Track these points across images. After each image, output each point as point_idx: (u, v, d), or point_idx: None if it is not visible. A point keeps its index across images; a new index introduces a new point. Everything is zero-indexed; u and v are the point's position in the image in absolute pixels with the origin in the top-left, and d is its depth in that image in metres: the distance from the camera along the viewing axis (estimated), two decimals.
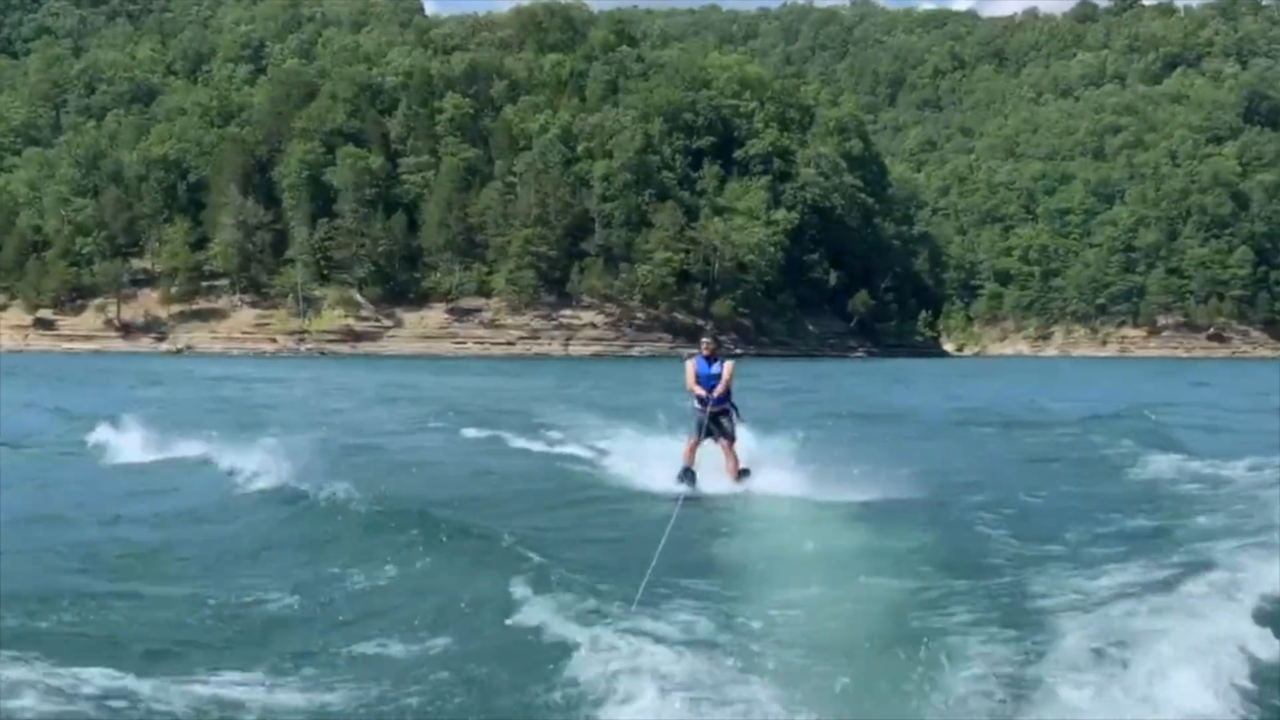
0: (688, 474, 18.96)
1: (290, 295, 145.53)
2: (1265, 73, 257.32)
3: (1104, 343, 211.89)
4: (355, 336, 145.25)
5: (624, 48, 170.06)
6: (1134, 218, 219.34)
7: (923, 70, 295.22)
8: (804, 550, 13.91)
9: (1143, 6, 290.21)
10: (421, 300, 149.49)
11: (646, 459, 21.10)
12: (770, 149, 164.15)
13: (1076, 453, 25.61)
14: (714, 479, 19.10)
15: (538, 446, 25.92)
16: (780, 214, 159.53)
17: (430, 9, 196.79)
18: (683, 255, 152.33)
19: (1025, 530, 15.30)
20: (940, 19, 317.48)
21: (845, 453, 20.03)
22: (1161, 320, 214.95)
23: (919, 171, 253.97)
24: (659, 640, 9.53)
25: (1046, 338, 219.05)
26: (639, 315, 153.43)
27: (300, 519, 16.16)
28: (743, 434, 20.21)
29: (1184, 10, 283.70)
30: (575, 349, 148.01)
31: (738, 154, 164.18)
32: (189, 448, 23.73)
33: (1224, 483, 19.59)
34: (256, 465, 20.03)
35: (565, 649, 9.30)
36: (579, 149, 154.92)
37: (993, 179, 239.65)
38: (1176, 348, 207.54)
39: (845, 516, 16.37)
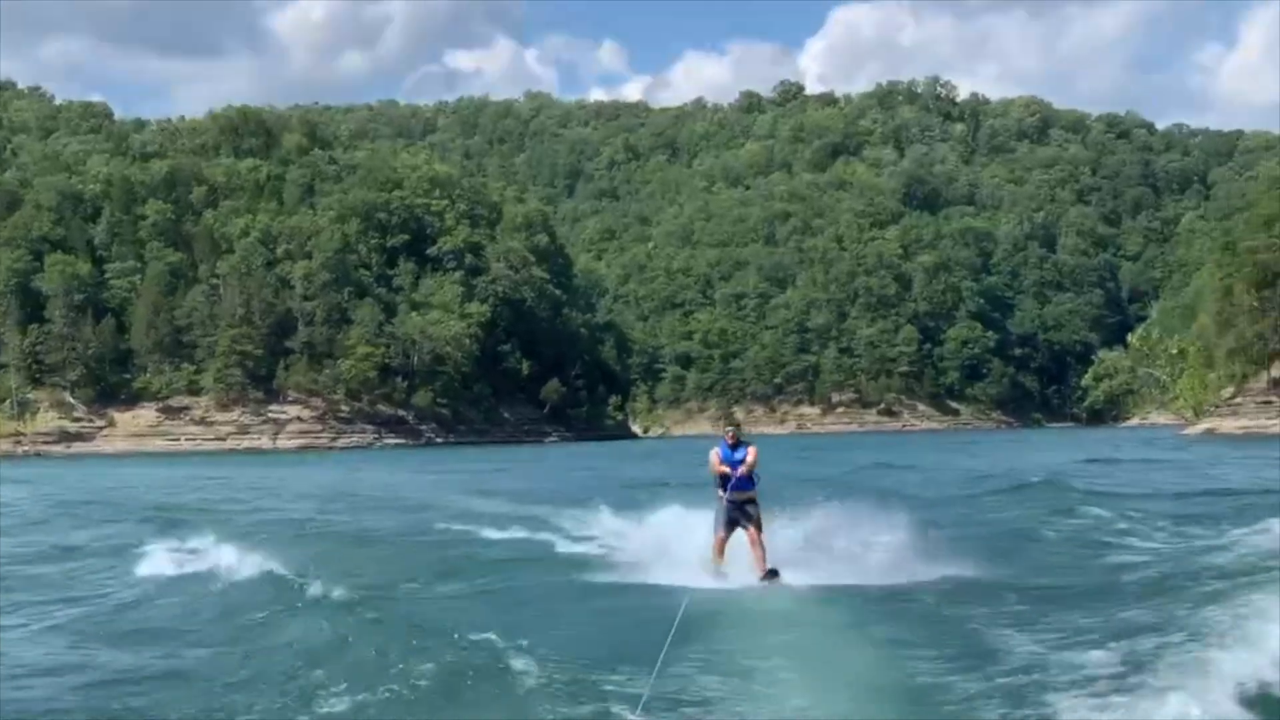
0: (719, 575, 21.95)
1: (5, 400, 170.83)
2: (922, 158, 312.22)
3: (782, 421, 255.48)
4: (70, 437, 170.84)
5: (317, 150, 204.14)
6: (805, 300, 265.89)
7: (599, 161, 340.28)
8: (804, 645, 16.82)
9: (806, 97, 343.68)
10: (133, 400, 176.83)
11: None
12: (462, 245, 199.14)
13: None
14: (739, 574, 21.77)
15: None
16: (474, 307, 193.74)
17: (118, 113, 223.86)
18: (383, 349, 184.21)
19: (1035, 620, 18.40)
20: (613, 111, 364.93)
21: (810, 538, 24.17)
22: (835, 397, 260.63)
23: (600, 260, 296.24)
24: None
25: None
26: (343, 408, 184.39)
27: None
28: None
29: (844, 100, 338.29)
30: (283, 442, 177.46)
31: (431, 250, 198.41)
32: None
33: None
34: None
35: None
36: (279, 250, 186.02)
37: (671, 266, 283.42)
38: (850, 423, 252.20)
39: (845, 606, 19.51)
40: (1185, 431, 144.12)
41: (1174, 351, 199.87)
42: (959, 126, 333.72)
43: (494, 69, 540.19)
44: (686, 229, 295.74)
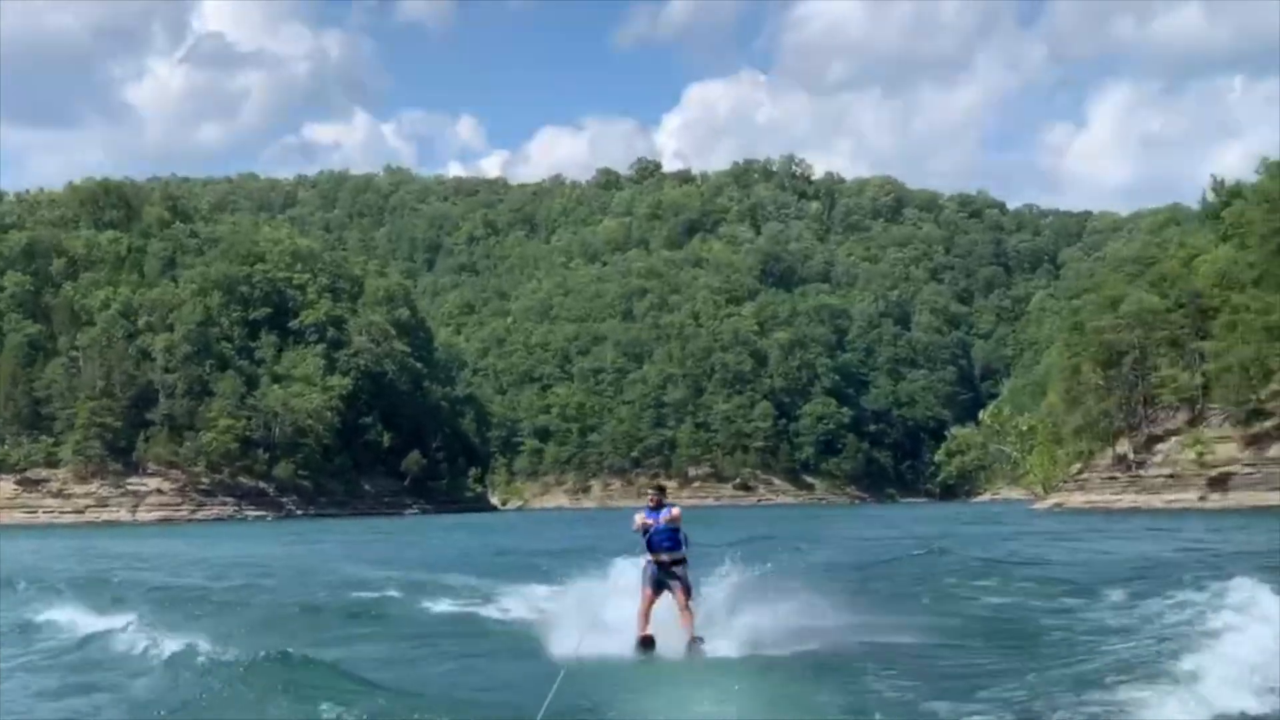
0: (646, 643, 22.15)
1: None
2: (778, 236, 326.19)
3: (639, 494, 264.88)
4: None
5: (178, 223, 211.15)
6: (662, 375, 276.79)
7: (458, 236, 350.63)
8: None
9: (663, 174, 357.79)
10: None
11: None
12: (324, 318, 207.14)
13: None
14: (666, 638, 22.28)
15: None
16: (336, 379, 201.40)
17: None
18: (244, 421, 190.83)
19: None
20: (472, 186, 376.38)
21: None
22: (692, 471, 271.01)
23: (459, 334, 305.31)
24: None
25: (585, 490, 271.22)
26: (204, 480, 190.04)
27: None
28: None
29: (701, 177, 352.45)
30: (143, 515, 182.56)
31: (293, 324, 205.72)
32: None
33: None
34: None
35: None
36: (140, 322, 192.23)
37: (529, 340, 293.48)
38: (706, 497, 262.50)
39: (741, 674, 19.99)
40: (1035, 506, 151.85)
41: (1024, 429, 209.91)
42: (814, 205, 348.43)
43: (352, 142, 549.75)
44: (545, 304, 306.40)
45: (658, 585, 22.68)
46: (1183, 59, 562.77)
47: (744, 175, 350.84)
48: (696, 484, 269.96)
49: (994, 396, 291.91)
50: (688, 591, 22.78)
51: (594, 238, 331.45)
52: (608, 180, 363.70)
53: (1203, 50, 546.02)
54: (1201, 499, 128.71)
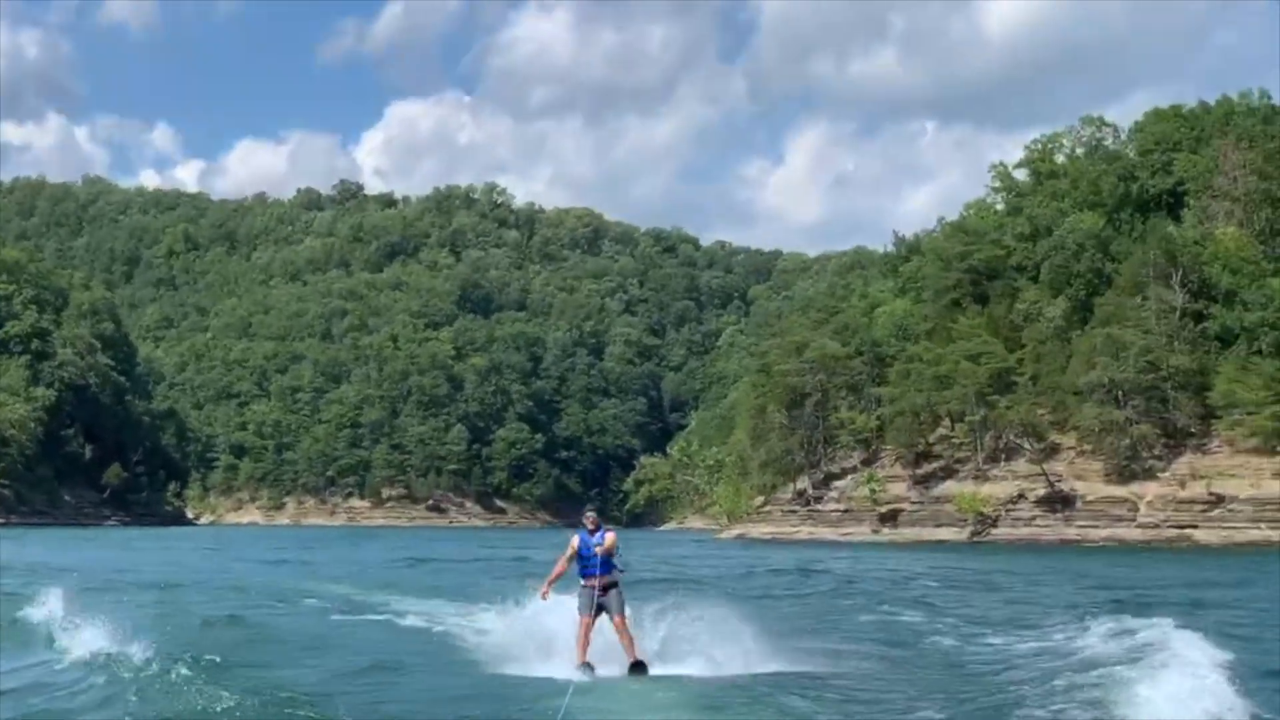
0: (586, 668, 23.36)
1: None
2: (477, 263, 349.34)
3: (333, 513, 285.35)
4: None
5: None
6: (360, 396, 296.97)
7: (158, 249, 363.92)
8: None
9: (365, 196, 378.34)
10: None
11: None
12: (30, 330, 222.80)
13: None
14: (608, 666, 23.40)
15: None
16: (39, 391, 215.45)
17: None
18: None
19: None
20: (172, 200, 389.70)
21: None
22: (386, 492, 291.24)
23: (157, 347, 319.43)
24: None
25: (280, 508, 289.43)
26: None
27: None
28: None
29: (403, 202, 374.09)
30: None
31: None
32: None
33: None
34: None
35: None
36: None
37: (228, 356, 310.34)
38: (399, 518, 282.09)
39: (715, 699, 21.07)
40: (720, 536, 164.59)
41: (712, 462, 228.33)
42: (514, 233, 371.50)
43: (44, 144, 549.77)
44: (244, 321, 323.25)
45: (597, 609, 24.16)
46: (878, 102, 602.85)
47: (445, 201, 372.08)
48: (390, 504, 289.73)
49: (682, 428, 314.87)
50: (623, 614, 24.28)
51: (295, 257, 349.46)
52: (310, 200, 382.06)
53: (897, 94, 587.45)
54: (874, 532, 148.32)
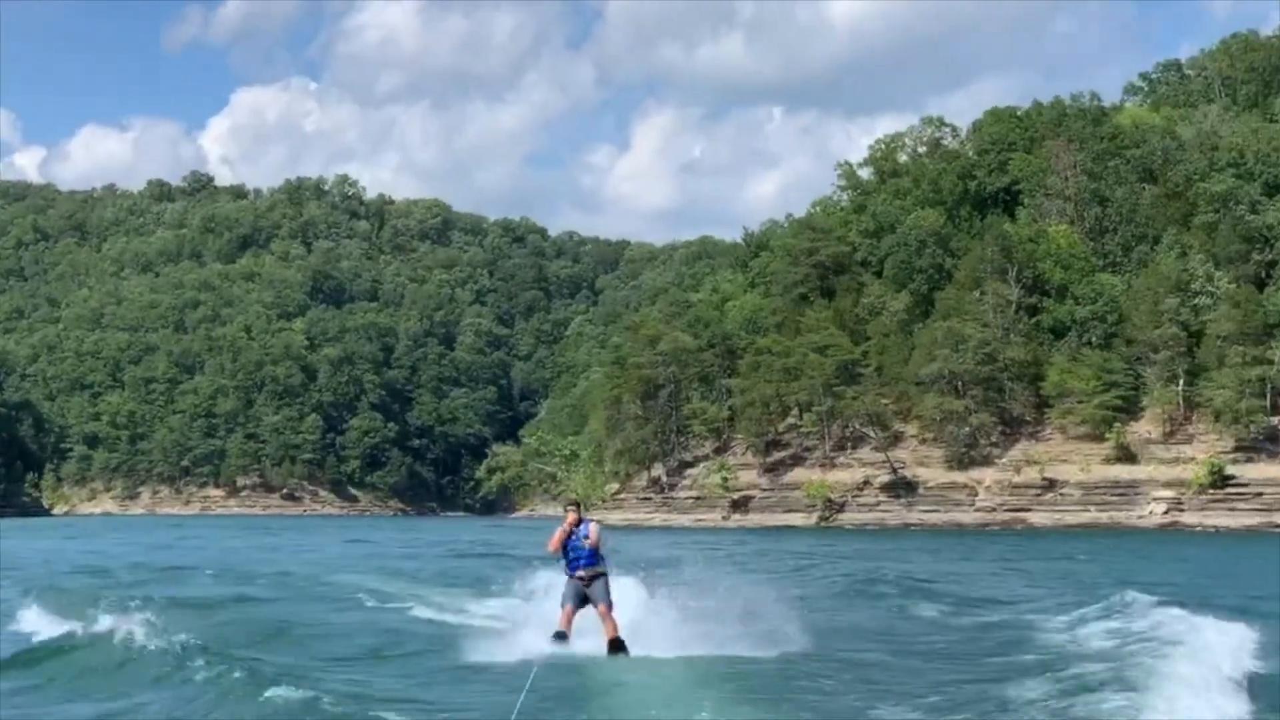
0: (560, 636, 24.06)
1: None
2: (328, 254, 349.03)
3: (188, 502, 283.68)
4: None
5: None
6: (214, 387, 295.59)
7: (6, 241, 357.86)
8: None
9: (216, 188, 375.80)
10: None
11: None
12: None
13: None
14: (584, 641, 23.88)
15: None
16: None
17: None
18: None
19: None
20: (20, 190, 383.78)
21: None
22: (241, 481, 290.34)
23: (7, 338, 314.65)
24: None
25: (134, 497, 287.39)
26: None
27: None
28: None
29: (254, 193, 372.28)
30: None
31: None
32: None
33: None
34: None
35: None
36: None
37: (81, 348, 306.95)
38: (254, 506, 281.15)
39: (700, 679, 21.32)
40: None
41: (568, 451, 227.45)
42: (364, 224, 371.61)
43: None
44: (97, 312, 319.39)
45: (579, 600, 24.65)
46: (725, 89, 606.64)
47: (296, 193, 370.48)
48: (245, 493, 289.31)
49: (532, 416, 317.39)
50: (609, 604, 24.59)
51: (147, 248, 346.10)
52: (160, 191, 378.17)
53: (744, 81, 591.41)
54: (724, 518, 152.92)
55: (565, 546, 25.01)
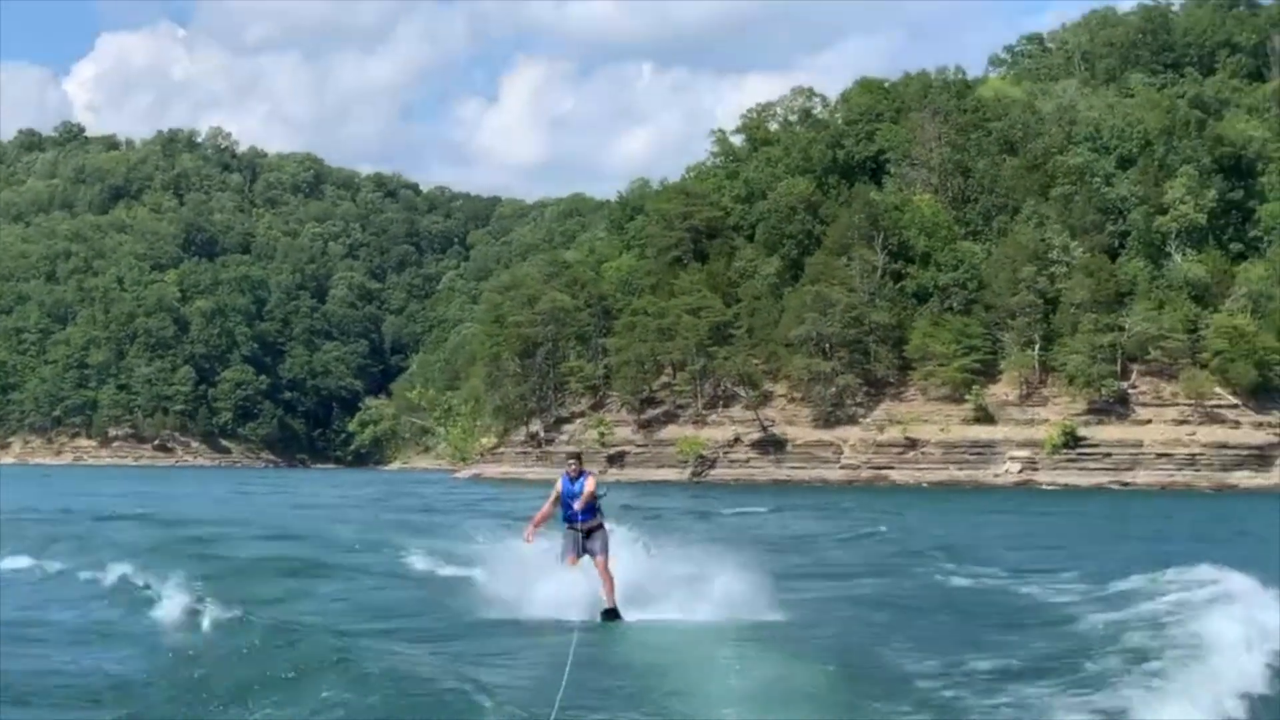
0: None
1: None
2: (201, 206, 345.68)
3: (59, 453, 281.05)
4: None
5: None
6: (86, 337, 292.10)
7: None
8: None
9: (87, 138, 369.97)
10: None
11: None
12: None
13: None
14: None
15: None
16: None
17: None
18: None
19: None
20: None
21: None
22: (113, 432, 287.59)
23: None
24: None
25: (5, 447, 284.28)
26: None
27: None
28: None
29: (126, 144, 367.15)
30: None
31: None
32: None
33: None
34: None
35: None
36: None
37: None
38: (126, 457, 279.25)
39: (731, 640, 21.52)
40: (457, 475, 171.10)
41: (447, 407, 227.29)
42: (236, 177, 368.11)
43: None
44: None
45: (579, 551, 24.84)
46: (596, 44, 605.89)
47: (169, 145, 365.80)
48: (117, 444, 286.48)
49: (403, 370, 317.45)
50: (606, 554, 24.83)
51: (18, 198, 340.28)
52: (30, 141, 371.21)
53: (615, 36, 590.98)
54: (601, 473, 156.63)
55: (561, 498, 25.10)
